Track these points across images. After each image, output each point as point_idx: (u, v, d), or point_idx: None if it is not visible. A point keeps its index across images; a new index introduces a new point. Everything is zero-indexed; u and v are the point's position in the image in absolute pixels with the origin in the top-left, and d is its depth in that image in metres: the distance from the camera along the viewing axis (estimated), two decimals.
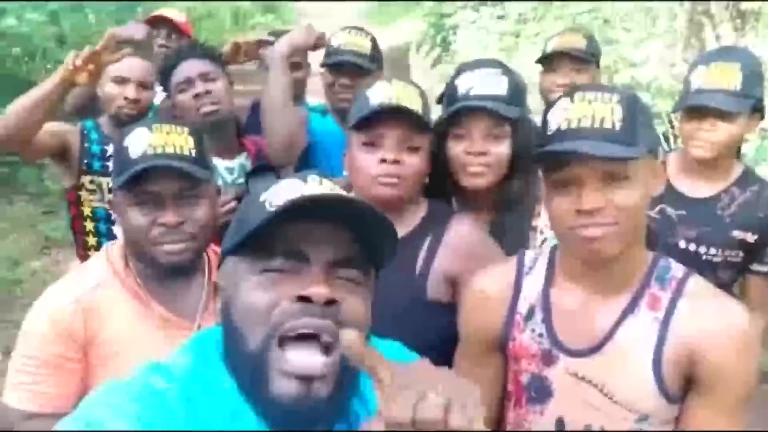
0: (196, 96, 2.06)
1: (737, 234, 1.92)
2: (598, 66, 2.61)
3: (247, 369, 0.80)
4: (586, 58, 2.47)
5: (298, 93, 2.66)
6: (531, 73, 2.95)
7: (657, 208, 1.96)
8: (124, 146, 1.34)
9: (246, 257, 0.83)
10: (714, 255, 1.93)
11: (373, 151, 1.47)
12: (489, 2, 9.21)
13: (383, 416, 0.65)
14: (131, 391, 0.81)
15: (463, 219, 1.59)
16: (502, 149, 1.59)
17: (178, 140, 1.34)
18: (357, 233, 0.83)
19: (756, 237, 1.92)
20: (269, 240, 0.81)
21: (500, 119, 1.57)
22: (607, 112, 1.11)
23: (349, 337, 0.69)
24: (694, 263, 1.56)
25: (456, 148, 1.60)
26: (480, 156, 1.57)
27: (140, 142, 1.32)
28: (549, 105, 1.21)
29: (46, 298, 1.36)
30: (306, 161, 2.22)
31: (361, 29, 2.38)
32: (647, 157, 1.14)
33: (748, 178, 1.98)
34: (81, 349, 1.32)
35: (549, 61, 2.57)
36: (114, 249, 1.42)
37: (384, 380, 0.67)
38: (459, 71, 1.68)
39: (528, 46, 7.62)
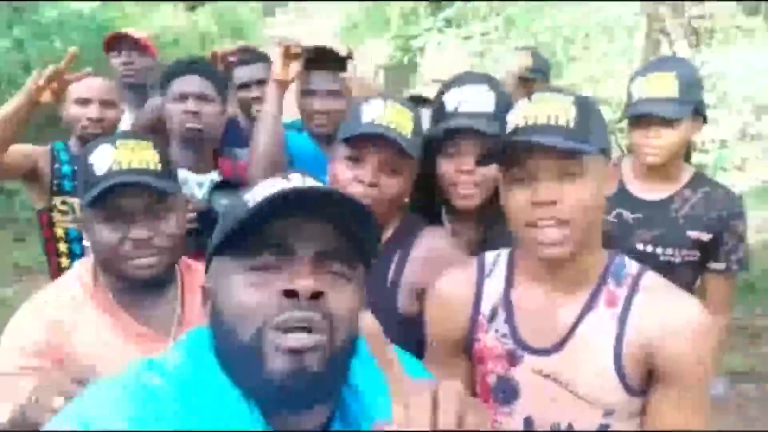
0: (186, 112, 2.07)
1: (692, 234, 1.99)
2: (546, 80, 2.74)
3: (241, 356, 0.80)
4: (529, 77, 2.61)
5: None
6: None
7: (614, 213, 2.04)
8: (89, 163, 1.33)
9: (232, 256, 0.82)
10: (671, 255, 2.00)
11: (353, 167, 1.49)
12: (456, 18, 9.36)
13: (397, 422, 0.64)
14: (125, 388, 0.81)
15: (434, 231, 1.61)
16: (488, 170, 1.55)
17: (143, 155, 1.33)
18: (341, 227, 0.83)
19: (710, 236, 1.99)
20: (254, 237, 0.80)
21: (490, 138, 1.56)
22: (562, 111, 1.16)
23: (366, 319, 0.68)
24: (653, 264, 1.63)
25: (446, 166, 1.62)
26: (470, 175, 1.59)
27: (105, 158, 1.32)
28: (509, 108, 1.26)
29: (18, 319, 1.36)
30: None
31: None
32: (599, 158, 1.18)
33: (698, 180, 2.07)
34: (55, 360, 1.31)
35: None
36: (84, 266, 1.42)
37: (396, 377, 0.67)
38: (446, 86, 1.69)
39: (492, 66, 7.77)
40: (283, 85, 1.93)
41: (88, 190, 1.32)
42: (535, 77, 2.61)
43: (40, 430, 0.80)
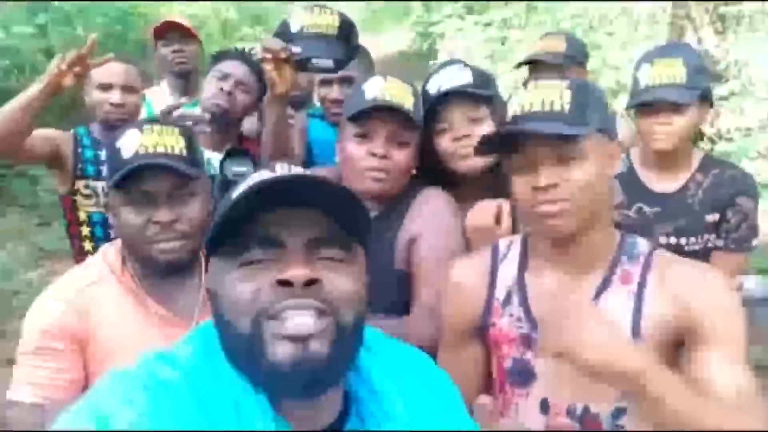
0: (221, 90, 2.19)
1: (709, 218, 1.99)
2: (582, 66, 2.66)
3: (243, 347, 0.80)
4: (562, 64, 2.50)
5: (302, 99, 2.69)
6: (517, 77, 3.00)
7: (634, 207, 2.04)
8: (116, 148, 1.36)
9: (225, 254, 0.83)
10: (694, 244, 1.99)
11: (364, 143, 1.55)
12: (477, 4, 9.29)
13: None
14: (138, 379, 0.81)
15: (432, 190, 1.66)
16: (484, 129, 1.63)
17: (169, 140, 1.35)
18: (330, 212, 0.82)
19: (718, 215, 2.00)
20: (243, 233, 0.80)
21: (474, 102, 1.65)
22: (556, 96, 1.18)
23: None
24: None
25: (442, 142, 1.68)
26: (465, 139, 1.64)
27: (132, 142, 1.34)
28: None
29: (41, 300, 1.39)
30: (305, 166, 2.26)
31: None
32: (599, 138, 1.20)
33: (709, 162, 2.06)
34: (75, 342, 1.34)
35: (531, 67, 2.64)
36: (111, 249, 1.45)
37: None
38: (427, 79, 1.77)
39: (513, 52, 7.71)
40: (282, 98, 1.89)
41: (114, 173, 1.35)
42: (569, 64, 2.51)
43: (53, 429, 0.79)
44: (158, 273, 1.38)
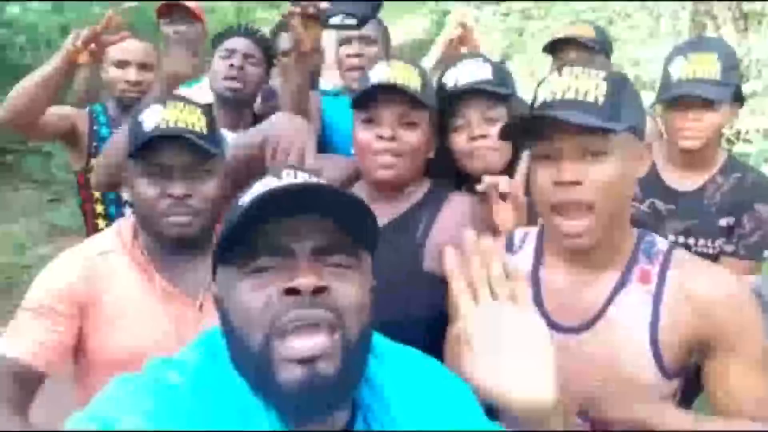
0: (230, 66, 2.18)
1: (723, 222, 1.94)
2: (608, 58, 2.62)
3: (252, 366, 0.79)
4: (594, 47, 2.47)
5: (311, 81, 2.67)
6: (534, 70, 2.97)
7: (647, 202, 1.99)
8: (138, 121, 1.37)
9: (233, 262, 0.82)
10: (704, 246, 1.95)
11: (371, 127, 1.53)
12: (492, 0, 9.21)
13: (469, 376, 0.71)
14: (144, 385, 0.81)
15: (462, 196, 1.63)
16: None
17: (190, 117, 1.36)
18: (337, 219, 0.82)
19: (733, 219, 1.94)
20: (251, 241, 0.80)
21: (492, 101, 1.61)
22: (591, 87, 1.12)
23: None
24: None
25: (458, 139, 1.65)
26: (481, 139, 1.60)
27: (154, 116, 1.35)
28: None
29: (53, 263, 1.41)
30: (322, 144, 2.23)
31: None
32: (629, 137, 1.15)
33: (731, 165, 2.00)
34: (77, 307, 1.34)
35: (556, 49, 2.58)
36: (126, 223, 1.46)
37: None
38: (444, 71, 1.73)
39: (531, 43, 7.64)
40: (307, 57, 1.81)
41: (133, 143, 1.35)
42: (599, 51, 2.49)
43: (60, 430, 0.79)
44: (168, 248, 1.38)
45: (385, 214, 1.54)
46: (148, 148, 1.33)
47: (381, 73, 1.54)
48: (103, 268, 1.37)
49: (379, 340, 0.92)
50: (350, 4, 1.84)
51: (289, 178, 0.86)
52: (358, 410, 0.87)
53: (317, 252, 0.80)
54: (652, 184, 1.98)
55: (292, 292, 0.77)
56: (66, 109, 2.29)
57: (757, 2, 6.61)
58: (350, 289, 0.81)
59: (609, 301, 1.19)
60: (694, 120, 1.87)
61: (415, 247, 1.54)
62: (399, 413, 0.86)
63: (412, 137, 1.53)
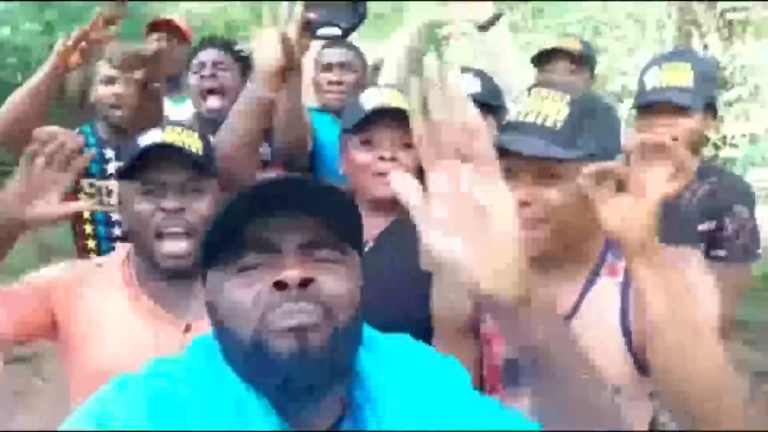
0: (202, 77, 2.17)
1: (703, 227, 1.95)
2: (592, 73, 2.66)
3: (246, 353, 0.80)
4: (583, 59, 2.52)
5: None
6: (522, 81, 3.00)
7: None
8: (135, 142, 1.37)
9: (221, 264, 0.82)
10: None
11: (370, 149, 1.57)
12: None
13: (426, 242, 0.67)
14: (140, 384, 0.81)
15: None
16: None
17: (188, 139, 1.37)
18: (323, 216, 0.82)
19: (714, 223, 1.95)
20: (238, 239, 0.80)
21: (482, 111, 1.63)
22: (553, 111, 1.14)
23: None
24: None
25: None
26: None
27: (151, 137, 1.36)
28: (497, 92, 1.27)
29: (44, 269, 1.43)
30: (316, 159, 2.25)
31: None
32: (589, 161, 1.12)
33: (705, 170, 2.01)
34: (54, 298, 1.35)
35: (545, 60, 2.62)
36: (124, 248, 1.46)
37: None
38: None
39: (520, 56, 7.70)
40: (299, 67, 1.74)
41: (127, 160, 1.35)
42: (585, 64, 2.55)
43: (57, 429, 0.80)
44: (160, 276, 1.36)
45: (378, 225, 1.60)
46: (143, 167, 1.33)
47: (376, 98, 1.59)
48: (94, 278, 1.38)
49: (369, 332, 0.92)
50: (335, 16, 1.90)
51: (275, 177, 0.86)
52: (348, 408, 0.87)
53: (305, 246, 0.81)
54: None
55: (279, 285, 0.77)
56: (55, 128, 2.29)
57: (740, 11, 6.70)
58: (338, 281, 0.81)
59: (580, 299, 1.21)
60: (665, 125, 1.88)
61: (414, 248, 1.58)
62: (386, 411, 0.86)
63: (410, 158, 1.59)
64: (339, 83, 2.23)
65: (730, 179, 2.02)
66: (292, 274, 0.77)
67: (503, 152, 1.15)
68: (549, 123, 1.13)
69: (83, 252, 2.30)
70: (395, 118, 1.56)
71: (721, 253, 1.96)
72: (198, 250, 1.31)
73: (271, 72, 1.61)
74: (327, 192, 0.82)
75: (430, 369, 0.94)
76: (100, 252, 2.23)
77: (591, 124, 1.15)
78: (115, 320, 1.34)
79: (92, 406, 0.80)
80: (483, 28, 2.02)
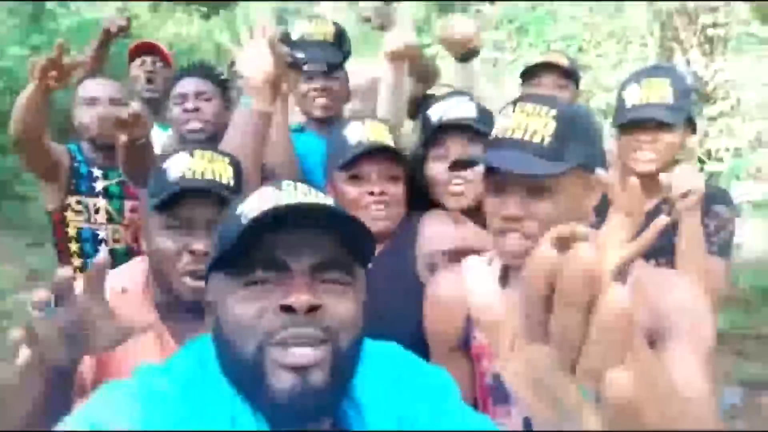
0: (185, 111, 2.13)
1: None
2: (577, 87, 2.70)
3: (244, 372, 0.80)
4: (570, 74, 2.56)
5: None
6: (508, 100, 3.04)
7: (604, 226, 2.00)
8: (163, 168, 1.30)
9: (229, 272, 0.82)
10: (664, 264, 1.95)
11: (358, 184, 1.60)
12: None
13: None
14: (133, 391, 0.81)
15: (438, 211, 1.70)
16: (480, 167, 1.63)
17: (218, 168, 1.31)
18: (336, 236, 0.82)
19: None
20: (248, 252, 0.80)
21: (475, 136, 1.66)
22: (540, 126, 1.15)
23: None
24: None
25: (435, 168, 1.70)
26: (459, 170, 1.63)
27: (180, 165, 1.29)
28: (501, 109, 1.26)
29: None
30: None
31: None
32: (577, 172, 1.16)
33: None
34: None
35: (533, 74, 2.65)
36: (137, 267, 1.38)
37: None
38: (430, 103, 1.80)
39: (504, 74, 7.78)
40: (286, 98, 1.82)
41: (157, 194, 1.28)
42: (572, 79, 2.59)
43: (51, 430, 0.79)
44: (182, 306, 1.29)
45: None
46: (172, 200, 1.26)
47: (360, 134, 1.61)
48: (122, 305, 1.30)
49: (367, 343, 0.91)
50: (320, 54, 2.04)
51: (289, 188, 0.85)
52: (338, 423, 0.87)
53: (316, 268, 0.80)
54: (607, 207, 1.99)
55: (287, 309, 0.77)
56: (54, 144, 2.28)
57: (720, 27, 6.81)
58: (344, 306, 0.81)
59: None
60: (649, 142, 1.88)
61: (410, 265, 1.60)
62: (371, 416, 0.86)
63: (398, 189, 1.62)
64: (324, 89, 2.17)
65: (709, 187, 2.02)
66: (301, 300, 0.77)
67: (492, 169, 1.17)
68: (536, 139, 1.14)
69: None
70: (381, 151, 1.59)
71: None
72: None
73: (265, 82, 1.59)
74: (344, 215, 0.83)
75: (417, 376, 0.94)
76: (85, 271, 2.21)
77: (577, 134, 1.17)
78: (136, 355, 1.20)
79: (83, 412, 0.80)
80: (464, 59, 2.03)
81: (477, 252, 1.47)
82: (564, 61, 2.62)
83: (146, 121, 2.31)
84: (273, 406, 0.78)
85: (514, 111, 1.19)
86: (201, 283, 1.23)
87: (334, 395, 0.81)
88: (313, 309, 0.77)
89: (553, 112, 1.16)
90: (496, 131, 1.21)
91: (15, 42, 6.95)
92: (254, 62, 1.60)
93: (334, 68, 2.08)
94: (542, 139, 1.14)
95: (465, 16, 9.22)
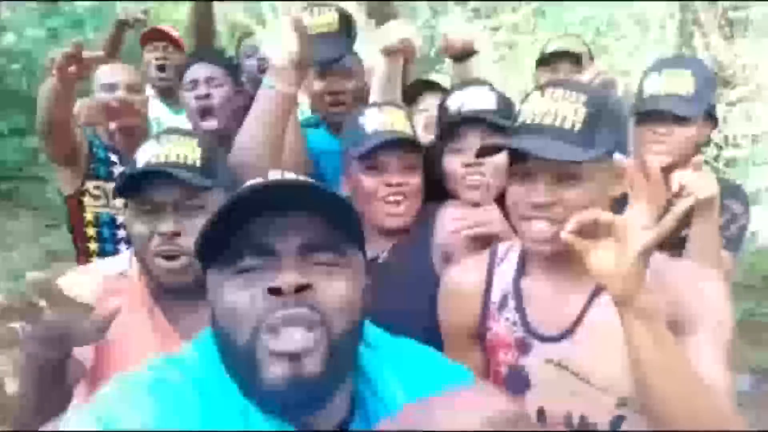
0: (197, 97, 2.13)
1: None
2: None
3: (240, 363, 0.79)
4: (585, 60, 2.55)
5: None
6: (527, 83, 3.03)
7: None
8: (134, 158, 1.34)
9: (220, 265, 0.82)
10: (677, 255, 1.95)
11: (376, 174, 1.57)
12: (485, 9, 9.29)
13: None
14: (145, 383, 0.81)
15: (454, 202, 1.67)
16: (498, 160, 1.56)
17: (183, 149, 1.32)
18: (324, 216, 0.81)
19: None
20: (236, 241, 0.79)
21: (494, 130, 1.62)
22: (570, 112, 1.14)
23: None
24: None
25: (453, 162, 1.66)
26: (477, 166, 1.62)
27: (147, 152, 1.32)
28: (527, 95, 1.25)
29: (68, 278, 1.31)
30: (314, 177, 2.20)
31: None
32: (606, 159, 1.16)
33: None
34: None
35: (548, 61, 2.65)
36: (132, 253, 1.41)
37: None
38: (449, 92, 1.77)
39: (522, 57, 7.72)
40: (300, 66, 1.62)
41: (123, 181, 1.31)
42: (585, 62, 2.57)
43: (60, 429, 0.80)
44: (166, 294, 1.33)
45: (385, 245, 1.61)
46: (139, 186, 1.28)
47: (377, 123, 1.57)
48: (122, 288, 1.33)
49: (373, 331, 0.92)
50: (327, 48, 1.97)
51: (275, 175, 0.85)
52: (356, 405, 0.87)
53: (302, 250, 0.79)
54: (622, 198, 1.98)
55: (275, 291, 0.76)
56: (77, 130, 2.30)
57: (741, 10, 6.69)
58: (336, 286, 0.80)
59: (587, 307, 1.21)
60: (665, 135, 1.86)
61: (428, 259, 1.59)
62: (394, 407, 0.86)
63: (416, 179, 1.59)
64: (337, 92, 2.15)
65: (723, 182, 2.00)
66: (287, 279, 0.76)
67: (521, 155, 1.16)
68: (567, 125, 1.14)
69: (84, 255, 2.32)
70: (399, 140, 1.56)
71: None
72: (196, 264, 1.30)
73: (291, 63, 1.52)
74: (327, 194, 0.82)
75: (435, 370, 0.95)
76: (103, 254, 2.25)
77: (607, 121, 1.16)
78: (132, 340, 1.28)
79: (96, 406, 0.79)
80: (458, 60, 2.02)
81: (500, 238, 1.46)
82: (581, 48, 2.60)
83: (139, 109, 2.33)
84: (268, 397, 0.78)
85: (543, 96, 1.18)
86: (174, 264, 1.28)
87: (330, 383, 0.80)
88: (301, 289, 0.77)
89: (584, 98, 1.15)
90: (524, 117, 1.19)
91: (33, 24, 6.98)
92: (279, 43, 1.54)
93: (342, 56, 2.04)
94: (573, 125, 1.13)
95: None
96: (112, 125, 2.08)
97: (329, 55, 2.00)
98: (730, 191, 1.97)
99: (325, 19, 2.02)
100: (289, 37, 1.53)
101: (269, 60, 1.58)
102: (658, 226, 1.07)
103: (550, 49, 2.72)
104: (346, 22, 2.06)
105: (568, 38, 2.79)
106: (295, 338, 0.76)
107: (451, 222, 1.59)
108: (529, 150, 1.13)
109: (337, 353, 0.79)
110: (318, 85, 2.16)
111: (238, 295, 0.79)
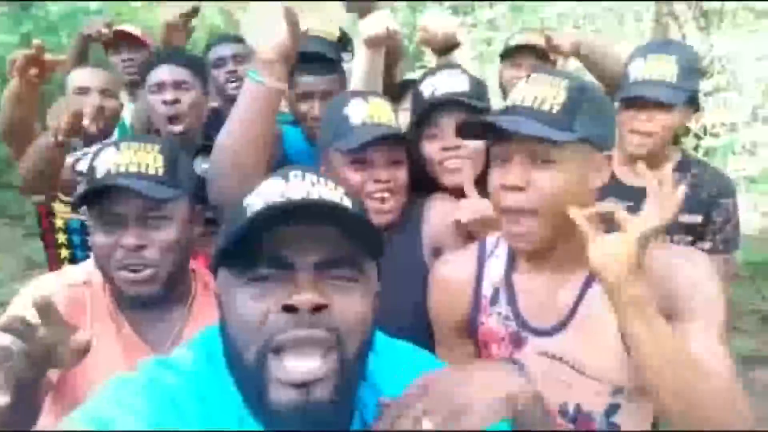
0: (164, 103, 2.04)
1: (684, 219, 1.94)
2: (554, 67, 2.68)
3: (246, 381, 0.78)
4: (547, 55, 2.54)
5: None
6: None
7: (605, 201, 1.99)
8: (93, 166, 1.30)
9: (233, 266, 0.79)
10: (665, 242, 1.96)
11: (361, 168, 1.51)
12: (462, 6, 9.31)
13: None
14: (139, 386, 0.80)
15: (442, 195, 1.66)
16: (475, 144, 1.59)
17: (145, 158, 1.28)
18: (343, 230, 0.78)
19: (701, 218, 1.95)
20: (253, 247, 0.77)
21: (468, 112, 1.61)
22: (550, 95, 1.13)
23: None
24: None
25: (430, 148, 1.65)
26: (455, 150, 1.61)
27: (107, 161, 1.28)
28: (483, 90, 1.25)
29: (32, 287, 1.33)
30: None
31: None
32: (584, 147, 1.14)
33: (687, 163, 2.01)
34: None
35: (512, 55, 2.66)
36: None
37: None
38: (421, 78, 1.75)
39: (499, 53, 7.73)
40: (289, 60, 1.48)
41: (84, 191, 1.28)
42: (550, 59, 2.59)
43: (55, 429, 0.78)
44: (131, 305, 1.30)
45: None
46: (100, 197, 1.25)
47: (363, 115, 1.51)
48: (87, 297, 1.30)
49: (377, 336, 0.90)
50: (319, 45, 1.96)
51: (296, 180, 0.82)
52: (356, 408, 0.86)
53: (320, 266, 0.77)
54: (608, 183, 1.99)
55: (290, 309, 0.74)
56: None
57: (716, 2, 6.76)
58: (352, 304, 0.78)
59: (579, 299, 1.20)
60: (645, 121, 1.87)
61: (418, 253, 1.58)
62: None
63: (403, 175, 1.55)
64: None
65: (713, 173, 2.02)
66: (304, 298, 0.74)
67: (497, 136, 1.15)
68: (545, 107, 1.13)
69: (56, 262, 2.28)
70: (393, 137, 1.51)
71: (706, 246, 1.96)
72: (161, 273, 1.27)
73: (279, 54, 1.36)
74: (349, 212, 0.79)
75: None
76: (74, 261, 2.21)
77: (588, 109, 1.15)
78: (98, 351, 1.21)
79: (91, 408, 0.78)
80: (442, 53, 2.00)
81: (492, 226, 1.42)
82: (541, 41, 2.61)
83: (110, 114, 2.28)
84: (275, 419, 0.76)
85: (527, 81, 1.18)
86: (137, 276, 1.25)
87: (338, 411, 0.78)
88: (318, 308, 0.74)
89: (565, 83, 1.15)
90: (508, 101, 1.18)
91: (5, 30, 6.89)
92: (265, 31, 1.38)
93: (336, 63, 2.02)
94: (551, 108, 1.12)
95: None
96: (92, 128, 2.02)
97: (323, 51, 1.98)
98: (722, 187, 1.99)
99: (328, 28, 2.03)
100: (279, 28, 1.37)
101: (255, 51, 1.40)
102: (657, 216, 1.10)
103: (513, 42, 2.74)
104: (346, 40, 2.09)
105: (531, 33, 2.79)
106: (303, 368, 0.74)
107: (445, 215, 1.57)
108: (502, 124, 1.11)
109: (347, 376, 0.77)
110: (300, 107, 2.04)
111: (251, 305, 0.77)
